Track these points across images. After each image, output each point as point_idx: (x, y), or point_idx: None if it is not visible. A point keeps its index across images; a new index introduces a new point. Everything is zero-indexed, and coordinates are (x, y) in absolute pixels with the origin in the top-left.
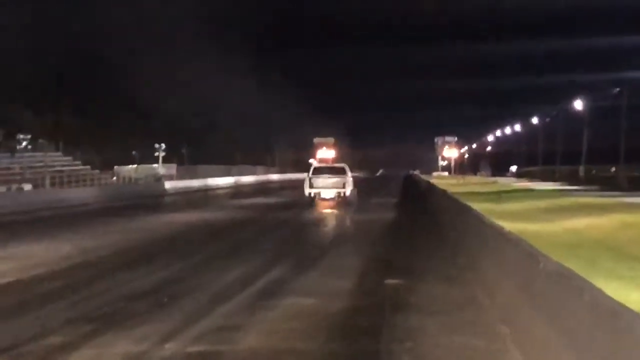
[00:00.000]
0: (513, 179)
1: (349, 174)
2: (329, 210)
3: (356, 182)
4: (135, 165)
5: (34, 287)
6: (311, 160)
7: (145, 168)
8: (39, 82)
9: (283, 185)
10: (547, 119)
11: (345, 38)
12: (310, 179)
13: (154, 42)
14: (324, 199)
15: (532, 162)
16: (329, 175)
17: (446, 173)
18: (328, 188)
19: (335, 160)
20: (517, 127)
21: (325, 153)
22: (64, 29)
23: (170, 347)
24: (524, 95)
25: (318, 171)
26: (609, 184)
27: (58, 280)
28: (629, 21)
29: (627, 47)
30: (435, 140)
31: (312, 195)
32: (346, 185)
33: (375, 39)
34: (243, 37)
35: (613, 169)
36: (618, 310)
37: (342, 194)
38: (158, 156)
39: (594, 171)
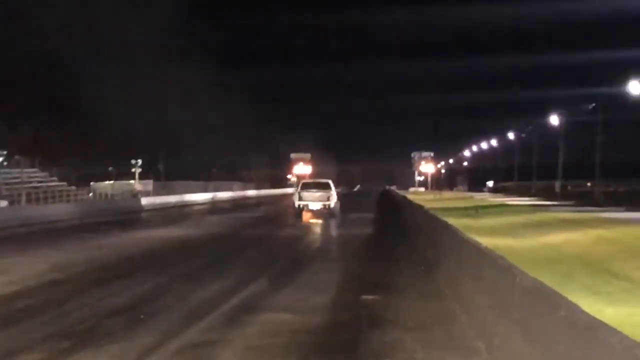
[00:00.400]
0: (489, 194)
1: (333, 188)
2: (306, 226)
3: (338, 196)
4: (111, 182)
5: (10, 303)
6: (289, 176)
7: (121, 184)
8: (15, 97)
9: (260, 201)
10: (523, 135)
11: (323, 55)
12: (299, 193)
13: (131, 60)
14: (311, 210)
15: (509, 178)
16: (316, 190)
17: (423, 188)
18: (315, 201)
19: (312, 175)
20: (494, 142)
21: (302, 168)
22: (39, 43)
23: None
24: (500, 110)
25: (306, 186)
26: (584, 199)
27: (34, 296)
28: (605, 37)
29: (602, 63)
30: (412, 155)
31: (301, 206)
32: (330, 198)
33: (352, 55)
34: (222, 53)
35: (589, 184)
36: (593, 325)
37: (327, 206)
38: (134, 172)
39: (569, 186)
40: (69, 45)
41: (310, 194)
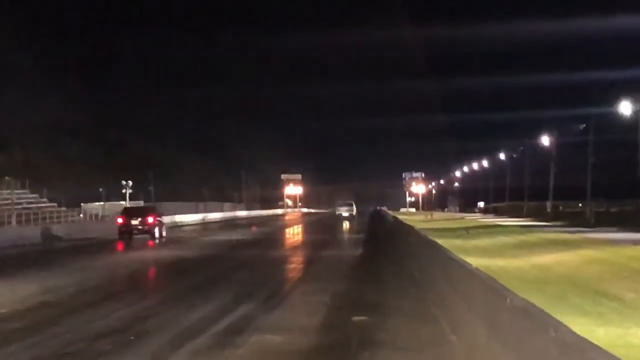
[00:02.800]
0: (480, 215)
1: (354, 205)
2: (297, 246)
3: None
4: (102, 203)
5: None
6: (286, 200)
7: (112, 205)
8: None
9: (251, 222)
10: (515, 155)
11: (314, 75)
12: (337, 207)
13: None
14: (344, 217)
15: (500, 198)
16: (346, 206)
17: (413, 209)
18: (345, 211)
19: (302, 196)
20: (485, 163)
21: (293, 189)
22: None
23: None
24: (492, 131)
25: (340, 204)
26: (576, 220)
27: (23, 319)
28: (596, 57)
29: (594, 83)
30: (403, 176)
31: (338, 214)
32: (353, 210)
33: (343, 75)
34: (206, 70)
35: (580, 204)
36: (583, 346)
37: (351, 214)
38: (125, 193)
39: (561, 207)
40: None
41: (343, 208)
